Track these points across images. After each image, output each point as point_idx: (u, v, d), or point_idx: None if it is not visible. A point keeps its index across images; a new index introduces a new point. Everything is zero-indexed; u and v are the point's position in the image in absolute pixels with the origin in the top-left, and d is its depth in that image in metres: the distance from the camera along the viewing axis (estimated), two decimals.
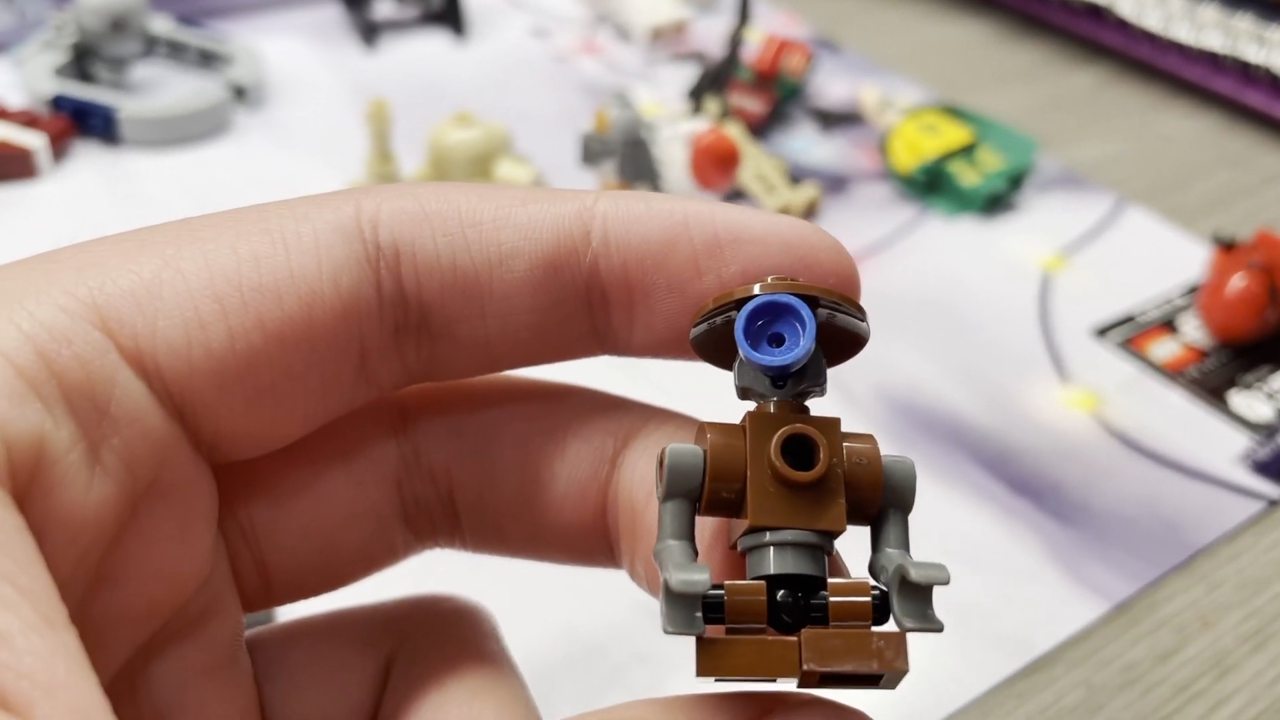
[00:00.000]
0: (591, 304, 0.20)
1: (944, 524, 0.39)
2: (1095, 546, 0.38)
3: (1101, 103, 0.65)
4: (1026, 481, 0.41)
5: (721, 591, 0.16)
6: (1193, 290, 0.50)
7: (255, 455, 0.19)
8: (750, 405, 0.18)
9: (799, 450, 0.17)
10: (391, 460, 0.22)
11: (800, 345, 0.18)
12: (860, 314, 0.19)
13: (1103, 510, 0.40)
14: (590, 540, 0.22)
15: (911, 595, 0.16)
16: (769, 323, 0.18)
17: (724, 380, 0.19)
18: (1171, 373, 0.46)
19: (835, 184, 0.55)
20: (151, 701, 0.20)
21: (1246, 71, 0.62)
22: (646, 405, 0.22)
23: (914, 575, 0.16)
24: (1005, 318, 0.48)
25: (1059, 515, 0.39)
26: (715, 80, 0.57)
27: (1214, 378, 0.46)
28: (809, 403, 0.19)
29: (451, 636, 0.23)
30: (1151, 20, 0.64)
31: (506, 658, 0.23)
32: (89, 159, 0.53)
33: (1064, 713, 0.33)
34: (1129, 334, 0.48)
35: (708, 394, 0.24)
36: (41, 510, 0.16)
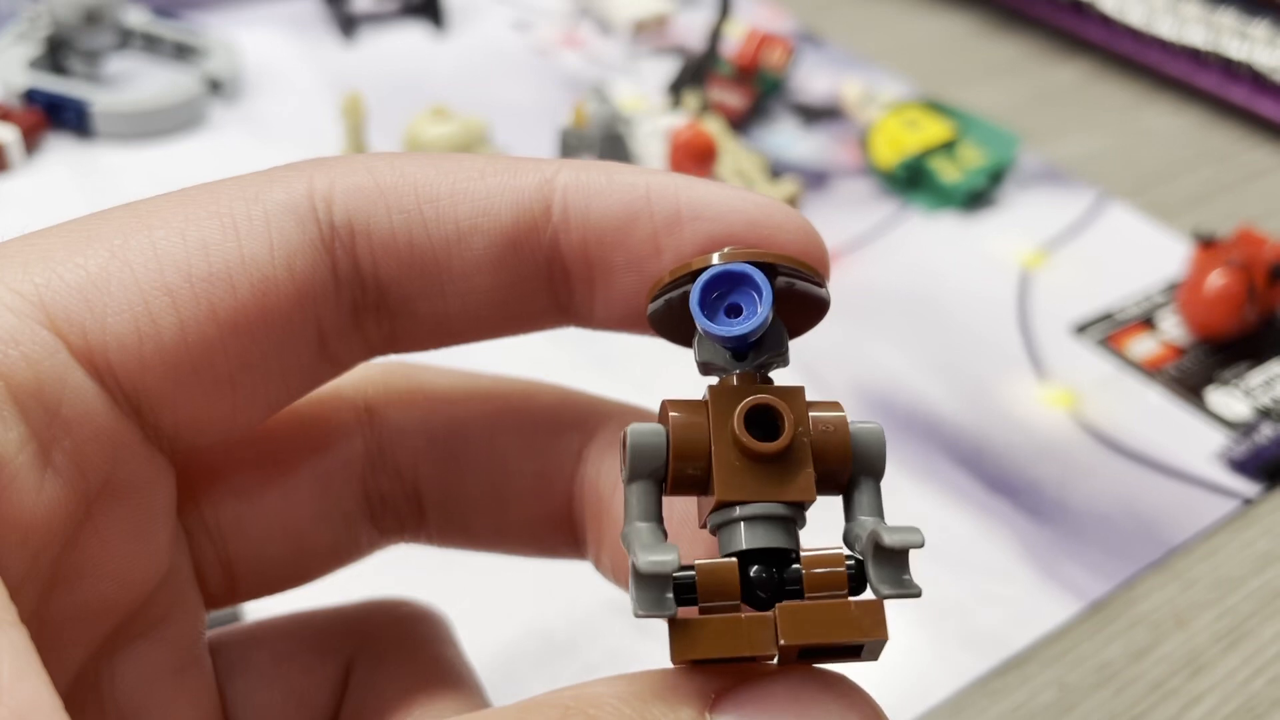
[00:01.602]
0: (552, 278, 0.19)
1: (919, 521, 0.39)
2: (1071, 545, 0.38)
3: (1084, 98, 0.65)
4: (1003, 479, 0.40)
5: (692, 572, 0.16)
6: (1172, 287, 0.50)
7: (219, 440, 0.19)
8: (712, 381, 0.18)
9: (763, 421, 0.17)
10: (357, 457, 0.22)
11: (758, 313, 0.17)
12: (820, 280, 0.18)
13: (1079, 508, 0.40)
14: (556, 533, 0.22)
15: (887, 561, 0.16)
16: (725, 293, 0.17)
17: (688, 360, 0.19)
18: (1150, 370, 0.46)
19: (816, 180, 0.55)
20: (115, 702, 0.19)
21: (1229, 67, 0.62)
22: (611, 400, 0.22)
23: (888, 540, 0.15)
24: (984, 315, 0.48)
25: (1035, 513, 0.39)
26: (695, 74, 0.57)
27: (1192, 375, 0.46)
28: (773, 374, 0.18)
29: (409, 641, 0.23)
30: (1134, 15, 0.64)
31: (464, 662, 0.23)
32: (62, 152, 0.52)
33: (1037, 711, 0.33)
34: (1107, 331, 0.48)
35: (681, 383, 0.24)
36: None
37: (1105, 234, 0.53)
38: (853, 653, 0.16)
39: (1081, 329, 0.48)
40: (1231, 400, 0.44)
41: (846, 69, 0.64)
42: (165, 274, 0.17)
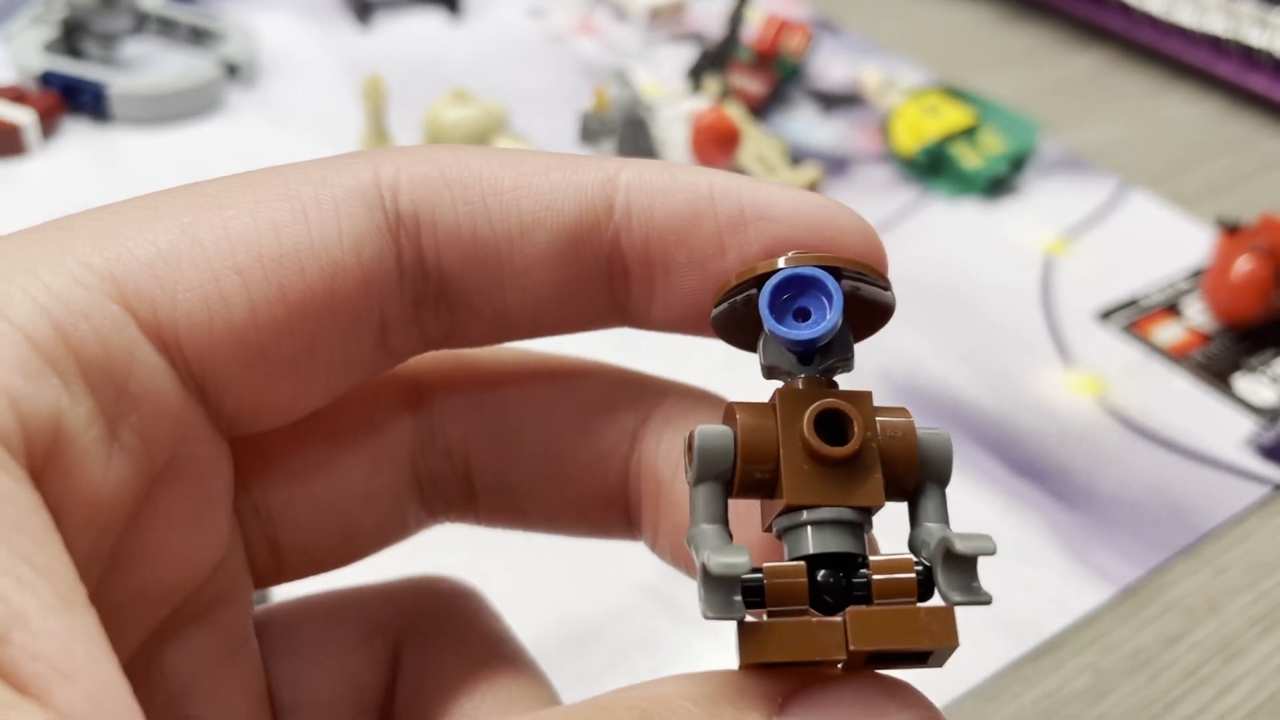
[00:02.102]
0: (612, 277, 0.19)
1: (949, 508, 0.38)
2: (1101, 530, 0.38)
3: (1103, 86, 0.64)
4: (1030, 465, 0.40)
5: (760, 575, 0.16)
6: (1196, 274, 0.50)
7: (275, 426, 0.19)
8: (777, 384, 0.18)
9: (832, 425, 0.17)
10: (407, 437, 0.22)
11: (827, 318, 0.17)
12: (885, 284, 0.18)
13: (1108, 494, 0.39)
14: (610, 513, 0.22)
15: (956, 568, 0.16)
16: (794, 297, 0.17)
17: (739, 360, 0.19)
18: (1175, 356, 0.45)
19: (836, 166, 0.55)
20: (166, 685, 0.19)
21: (1249, 55, 0.61)
22: (666, 380, 0.22)
23: (959, 547, 0.15)
24: (1007, 301, 0.48)
25: (1064, 499, 0.39)
26: (715, 60, 0.57)
27: (1218, 362, 0.45)
28: (837, 378, 0.18)
29: (459, 618, 0.23)
30: (1154, 4, 0.64)
31: (514, 638, 0.23)
32: (79, 136, 0.52)
33: (1070, 697, 0.33)
34: (1132, 317, 0.47)
35: (721, 375, 0.23)
36: (59, 489, 0.15)
37: (1127, 221, 0.53)
38: (920, 659, 0.16)
39: (1106, 315, 0.47)
40: (1259, 387, 0.44)
41: (864, 56, 0.63)
42: (236, 253, 0.17)
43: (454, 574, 0.24)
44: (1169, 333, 0.47)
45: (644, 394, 0.21)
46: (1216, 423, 0.43)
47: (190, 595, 0.19)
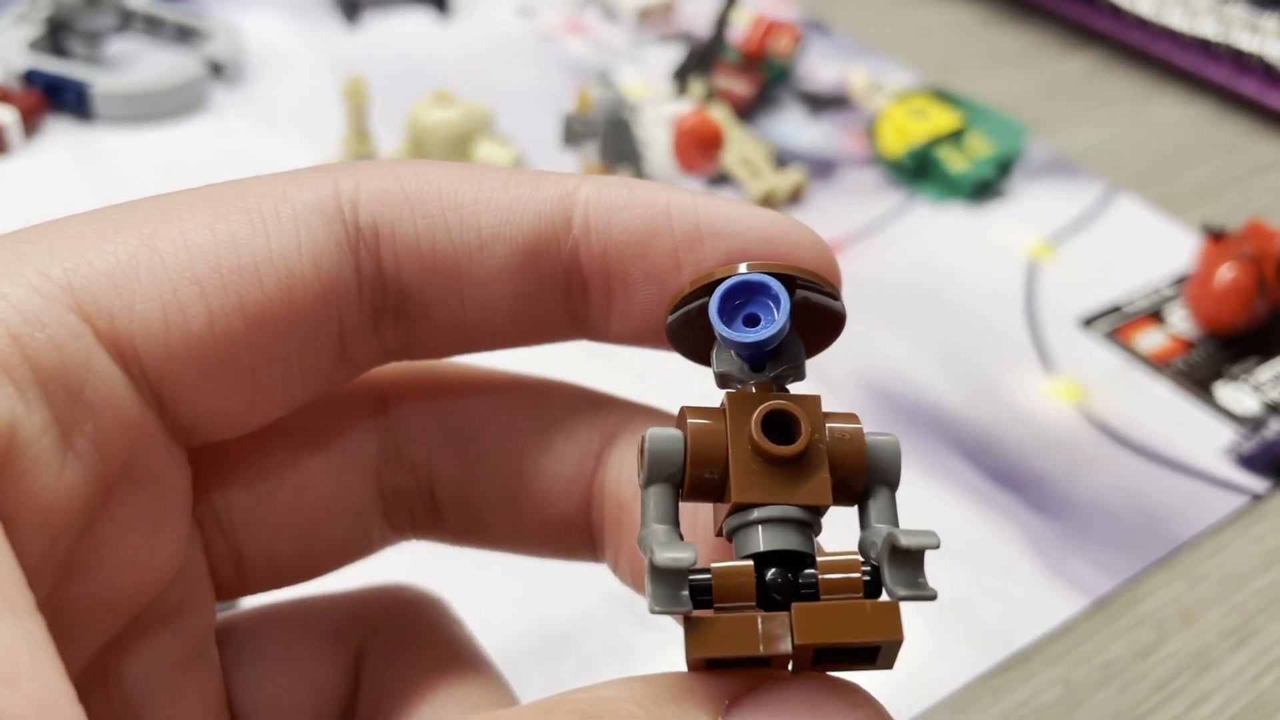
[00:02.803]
0: (570, 290, 0.20)
1: (923, 515, 0.38)
2: (1077, 540, 0.38)
3: (1093, 89, 0.64)
4: (1008, 472, 0.40)
5: (708, 575, 0.16)
6: (1181, 280, 0.49)
7: (233, 435, 0.19)
8: (731, 391, 0.18)
9: (780, 427, 0.17)
10: (372, 451, 0.22)
11: (775, 321, 0.17)
12: (836, 294, 0.18)
13: (1085, 503, 0.39)
14: (573, 535, 0.22)
15: (902, 563, 0.16)
16: (743, 304, 0.18)
17: (705, 374, 0.19)
18: (1158, 364, 0.45)
19: (822, 168, 0.55)
20: (123, 693, 0.19)
21: (1239, 59, 0.61)
22: (631, 402, 0.22)
23: (904, 541, 0.16)
24: (991, 306, 0.48)
25: (1040, 508, 0.39)
26: (701, 61, 0.56)
27: (1200, 369, 0.45)
28: (789, 387, 0.18)
29: (421, 626, 0.23)
30: (1144, 6, 0.63)
31: (475, 643, 0.23)
32: (62, 135, 0.52)
33: (1041, 709, 0.33)
34: (1115, 324, 0.47)
35: (691, 387, 0.23)
36: (10, 496, 0.15)
37: (1113, 226, 0.53)
38: (868, 657, 0.16)
39: (1089, 322, 0.47)
40: (1241, 395, 0.44)
41: (853, 58, 0.63)
42: (195, 265, 0.17)
43: (422, 581, 0.24)
44: (1151, 340, 0.46)
45: (608, 415, 0.21)
46: (1197, 431, 0.42)
47: (149, 604, 0.19)
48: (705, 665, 0.16)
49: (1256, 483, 0.40)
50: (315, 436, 0.22)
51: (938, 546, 0.16)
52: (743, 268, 0.18)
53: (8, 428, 0.15)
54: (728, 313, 0.18)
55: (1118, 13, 0.65)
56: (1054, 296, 0.48)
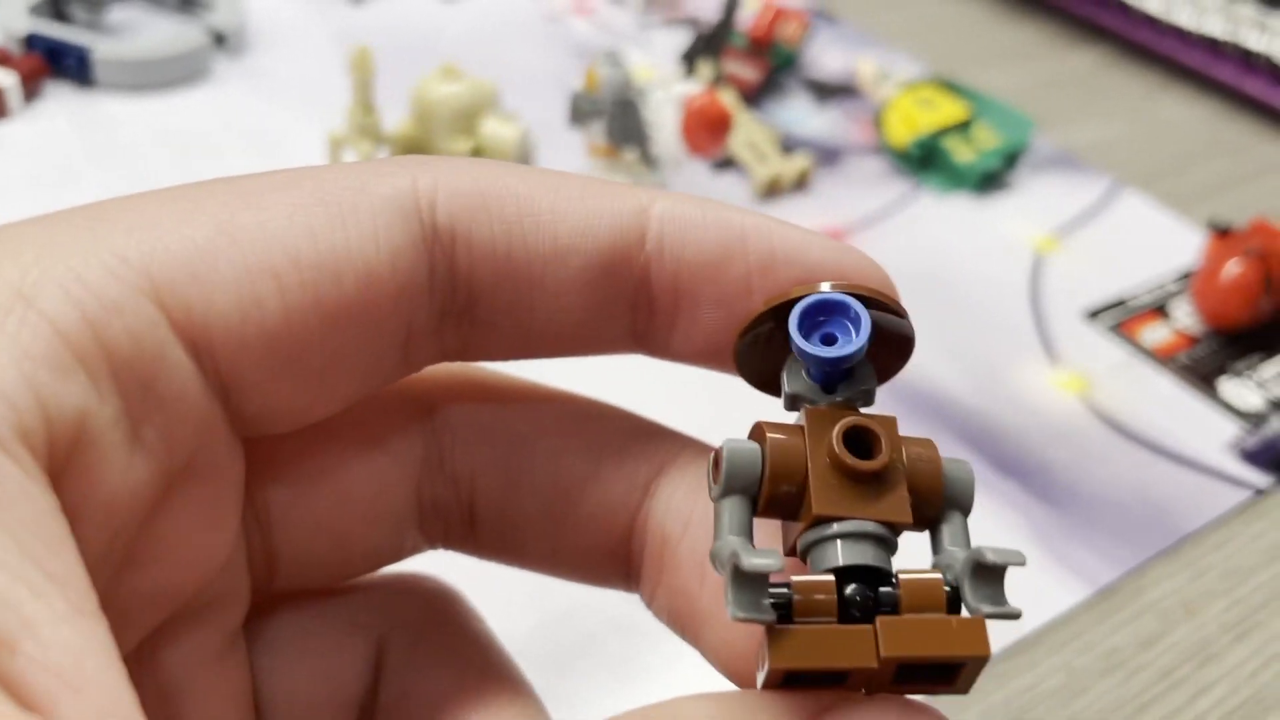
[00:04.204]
0: (636, 306, 0.19)
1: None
2: (1080, 530, 0.38)
3: (1099, 85, 0.64)
4: (1013, 462, 0.40)
5: (787, 589, 0.16)
6: (1186, 276, 0.49)
7: (289, 429, 0.19)
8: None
9: (859, 445, 0.17)
10: (416, 459, 0.21)
11: (857, 339, 0.17)
12: (907, 318, 0.19)
13: (1089, 493, 0.39)
14: (610, 564, 0.21)
15: (985, 581, 0.16)
16: (821, 324, 0.18)
17: (746, 408, 0.18)
18: (1162, 358, 0.45)
19: (828, 156, 0.54)
20: (157, 684, 0.19)
21: (1247, 59, 0.61)
22: (683, 435, 0.21)
23: (991, 557, 0.15)
24: (996, 297, 0.47)
25: (1045, 497, 0.39)
26: (709, 45, 0.56)
27: (1204, 365, 0.45)
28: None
29: (444, 621, 0.23)
30: (1152, 4, 0.63)
31: (501, 646, 0.23)
32: (62, 100, 0.51)
33: (1044, 696, 0.33)
34: (1120, 318, 0.47)
35: (733, 417, 0.23)
36: (77, 490, 0.15)
37: (1118, 221, 0.53)
38: (948, 678, 0.16)
39: (1094, 315, 0.47)
40: (1244, 391, 0.44)
41: (860, 47, 0.63)
42: (273, 256, 0.17)
43: (419, 558, 0.24)
44: (1156, 334, 0.46)
45: (659, 445, 0.21)
46: (1200, 426, 0.42)
47: (192, 597, 0.19)
48: (783, 679, 0.16)
49: (1260, 478, 0.40)
50: (361, 438, 0.21)
51: (1024, 564, 0.16)
52: (825, 286, 0.18)
53: (79, 420, 0.15)
54: (805, 331, 0.17)
55: (1125, 10, 0.65)
56: (1059, 289, 0.48)
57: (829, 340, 0.17)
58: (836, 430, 0.17)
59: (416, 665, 0.22)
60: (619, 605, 0.33)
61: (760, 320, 0.18)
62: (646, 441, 0.21)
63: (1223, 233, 0.47)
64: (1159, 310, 0.47)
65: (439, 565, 0.24)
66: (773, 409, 0.19)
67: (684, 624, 0.20)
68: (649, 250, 0.19)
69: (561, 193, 0.19)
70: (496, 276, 0.18)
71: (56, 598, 0.13)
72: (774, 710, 0.15)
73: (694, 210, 0.19)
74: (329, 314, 0.17)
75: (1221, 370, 0.45)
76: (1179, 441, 0.41)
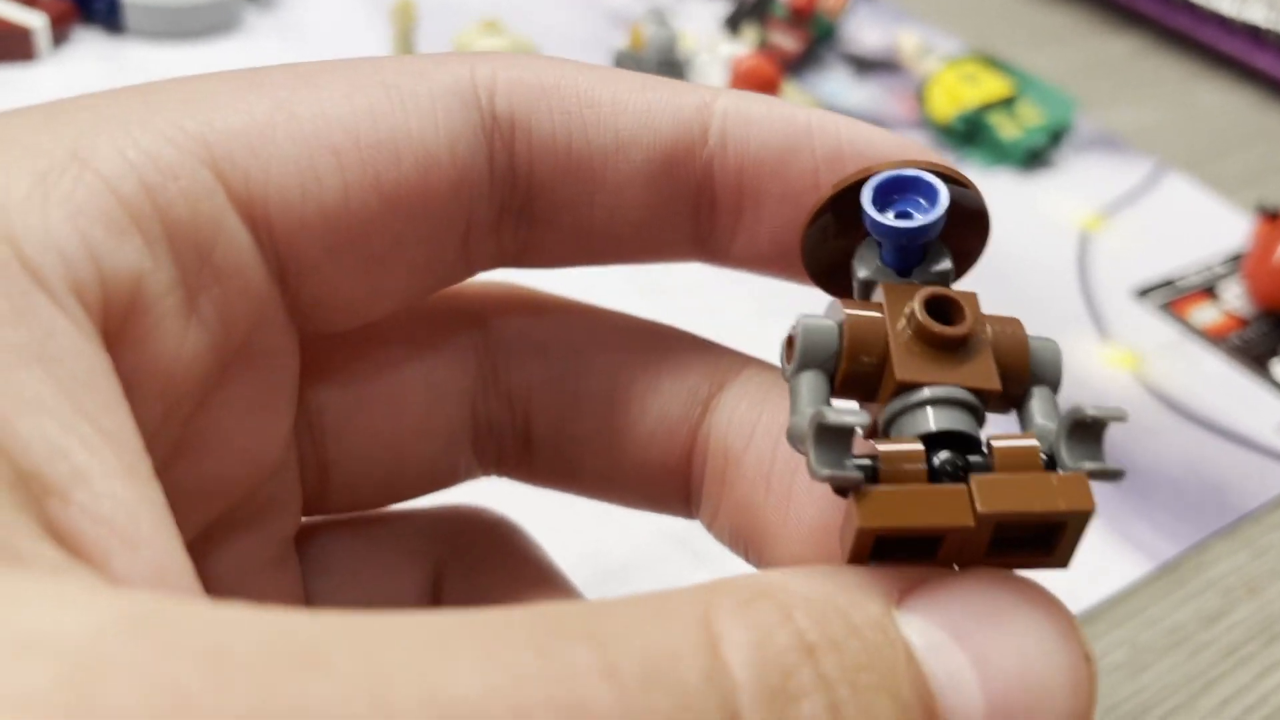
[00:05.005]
0: (699, 206, 0.19)
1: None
2: (1139, 505, 0.37)
3: (1136, 70, 0.63)
4: None
5: (871, 460, 0.14)
6: (1234, 259, 0.48)
7: (346, 327, 0.18)
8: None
9: (942, 315, 0.16)
10: (470, 374, 0.21)
11: (934, 209, 0.16)
12: (982, 198, 0.18)
13: (1146, 469, 0.38)
14: (669, 485, 0.21)
15: (1082, 440, 0.15)
16: (893, 203, 0.17)
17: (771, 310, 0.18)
18: (1213, 338, 0.44)
19: None
20: (207, 588, 0.18)
21: None
22: (742, 353, 0.21)
23: (1091, 412, 0.14)
24: (1044, 272, 0.47)
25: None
26: (754, 10, 0.55)
27: (1256, 346, 0.44)
28: None
29: (504, 552, 0.22)
30: None
31: (563, 573, 0.22)
32: (90, 45, 0.50)
33: (1108, 670, 0.32)
34: (1169, 297, 0.46)
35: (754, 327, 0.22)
36: (132, 356, 0.14)
37: (1163, 202, 0.52)
38: (1047, 547, 0.15)
39: (1143, 293, 0.46)
40: None
41: (897, 23, 0.62)
42: (333, 133, 0.16)
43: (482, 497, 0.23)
44: (1206, 315, 0.45)
45: (719, 363, 0.20)
46: (1254, 406, 0.41)
47: (245, 497, 0.18)
48: (871, 547, 0.15)
49: None
50: (415, 348, 0.20)
51: (1126, 419, 0.15)
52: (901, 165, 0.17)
53: (134, 282, 0.14)
54: (879, 211, 0.17)
55: None
56: (1107, 267, 0.47)
57: (903, 217, 0.17)
58: (919, 297, 0.16)
59: (477, 590, 0.21)
60: (676, 569, 0.32)
61: (829, 205, 0.17)
62: (706, 357, 0.20)
63: (1272, 216, 0.46)
64: (1208, 291, 0.47)
65: (499, 505, 0.23)
66: None
67: (748, 540, 0.19)
68: (712, 145, 0.18)
69: (622, 85, 0.18)
70: (556, 169, 0.18)
71: (109, 454, 0.13)
72: (866, 583, 0.14)
73: (758, 106, 0.18)
74: (388, 195, 0.16)
75: (1274, 352, 0.44)
76: (1233, 420, 0.41)
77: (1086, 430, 0.15)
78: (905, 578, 0.15)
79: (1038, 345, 0.17)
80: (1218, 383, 0.42)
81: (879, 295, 0.17)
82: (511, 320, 0.21)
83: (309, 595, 0.21)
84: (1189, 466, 0.39)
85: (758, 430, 0.19)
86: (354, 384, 0.20)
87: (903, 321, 0.16)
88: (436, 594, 0.22)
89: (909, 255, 0.17)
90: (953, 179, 0.17)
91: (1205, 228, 0.51)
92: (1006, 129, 0.52)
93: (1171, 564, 0.35)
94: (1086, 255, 0.48)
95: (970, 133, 0.52)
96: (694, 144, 0.18)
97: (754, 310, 0.40)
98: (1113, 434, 0.38)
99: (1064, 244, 0.48)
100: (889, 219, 0.16)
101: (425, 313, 0.21)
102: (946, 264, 0.17)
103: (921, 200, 0.17)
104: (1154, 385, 0.42)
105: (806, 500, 0.18)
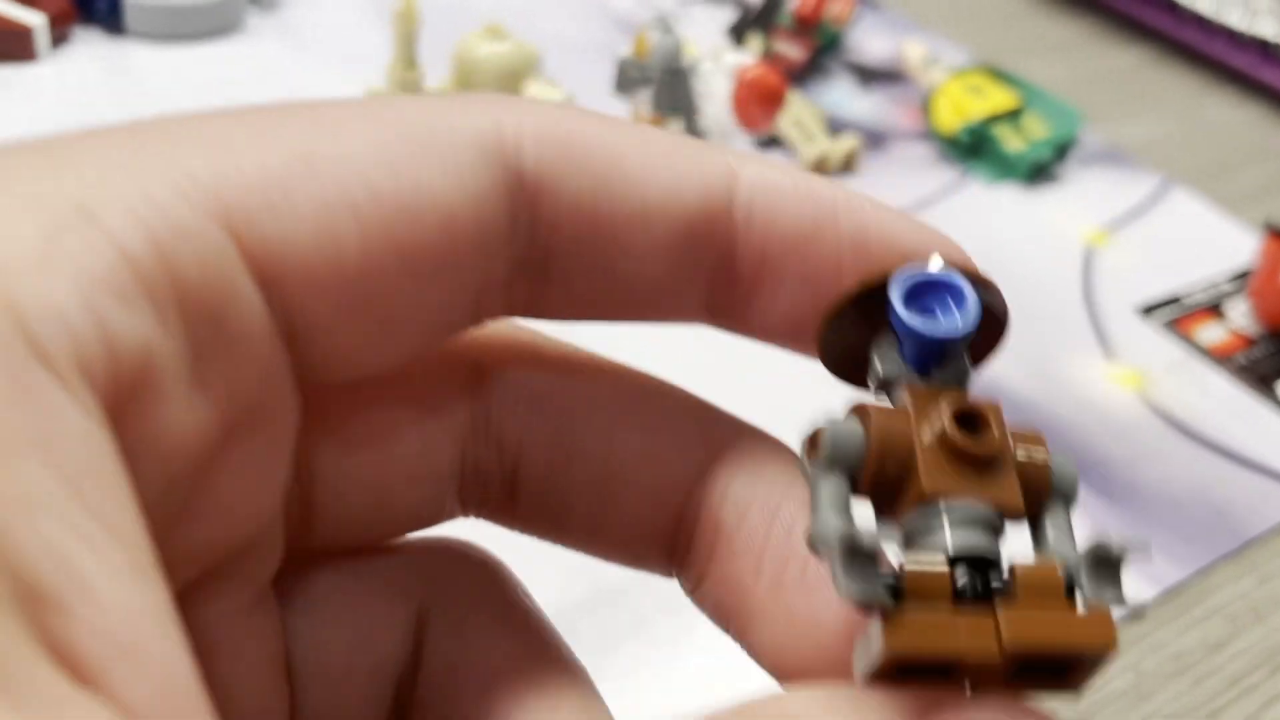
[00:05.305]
0: (715, 277, 0.18)
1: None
2: (1143, 528, 0.36)
3: (1142, 83, 0.63)
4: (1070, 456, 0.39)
5: (895, 579, 0.14)
6: (1240, 276, 0.48)
7: (349, 380, 0.17)
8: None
9: (969, 427, 0.16)
10: (462, 420, 0.20)
11: (963, 316, 0.16)
12: (1005, 305, 0.17)
13: (1150, 491, 0.38)
14: (652, 546, 0.20)
15: (1105, 571, 0.15)
16: (921, 303, 0.17)
17: (802, 391, 0.17)
18: (1219, 358, 0.44)
19: (873, 140, 0.53)
20: (190, 641, 0.18)
21: None
22: (741, 420, 0.20)
23: (1116, 545, 0.14)
24: (1048, 289, 0.46)
25: (1105, 493, 0.37)
26: (758, 20, 0.55)
27: (1263, 366, 0.44)
28: None
29: (489, 591, 0.21)
30: (1203, 3, 0.62)
31: (551, 625, 0.21)
32: (90, 46, 0.50)
33: (1111, 698, 0.31)
34: (1175, 315, 0.46)
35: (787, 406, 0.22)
36: (135, 432, 0.13)
37: (1169, 218, 0.52)
38: (1065, 676, 0.14)
39: (1148, 310, 0.46)
40: None
41: (903, 33, 0.62)
42: (353, 188, 0.15)
43: (466, 529, 0.22)
44: (1212, 333, 0.45)
45: (715, 428, 0.20)
46: (1261, 428, 0.41)
47: (235, 550, 0.17)
48: (894, 668, 0.14)
49: None
50: (410, 394, 0.20)
51: (1150, 552, 0.14)
52: (931, 264, 0.17)
53: (143, 356, 0.13)
54: (906, 309, 0.16)
55: (1174, 9, 0.63)
56: (1111, 283, 0.47)
57: (927, 314, 0.16)
58: (947, 408, 0.16)
59: (464, 638, 0.21)
60: (668, 588, 0.32)
61: (854, 299, 0.17)
62: (704, 423, 0.20)
63: (1279, 234, 0.46)
64: (1214, 309, 0.46)
65: (486, 527, 0.22)
66: (819, 395, 0.18)
67: (731, 617, 0.19)
68: (738, 219, 0.17)
69: (651, 150, 0.17)
70: (579, 232, 0.17)
71: (115, 553, 0.12)
72: (886, 707, 0.14)
73: (784, 180, 0.18)
74: (407, 256, 0.16)
75: (1279, 373, 0.43)
76: (1239, 443, 0.40)
77: (1109, 563, 0.15)
78: (925, 702, 0.14)
79: (1058, 463, 0.16)
80: (1223, 403, 0.42)
81: (901, 396, 0.17)
82: (509, 369, 0.20)
83: (289, 634, 0.20)
84: (1194, 489, 0.38)
85: (752, 510, 0.19)
86: (345, 428, 0.19)
87: (928, 430, 0.16)
88: (419, 634, 0.21)
89: (930, 357, 0.17)
90: (977, 280, 0.17)
91: (1212, 244, 0.50)
92: (1012, 142, 0.52)
93: (1176, 589, 0.35)
94: (1091, 271, 0.47)
95: (975, 145, 0.52)
96: (718, 216, 0.17)
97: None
98: (1117, 456, 0.38)
99: (1068, 259, 0.48)
100: (921, 322, 0.16)
101: (423, 358, 0.20)
102: (965, 366, 0.17)
103: (949, 301, 0.17)
104: (1159, 405, 0.41)
105: (798, 592, 0.17)
